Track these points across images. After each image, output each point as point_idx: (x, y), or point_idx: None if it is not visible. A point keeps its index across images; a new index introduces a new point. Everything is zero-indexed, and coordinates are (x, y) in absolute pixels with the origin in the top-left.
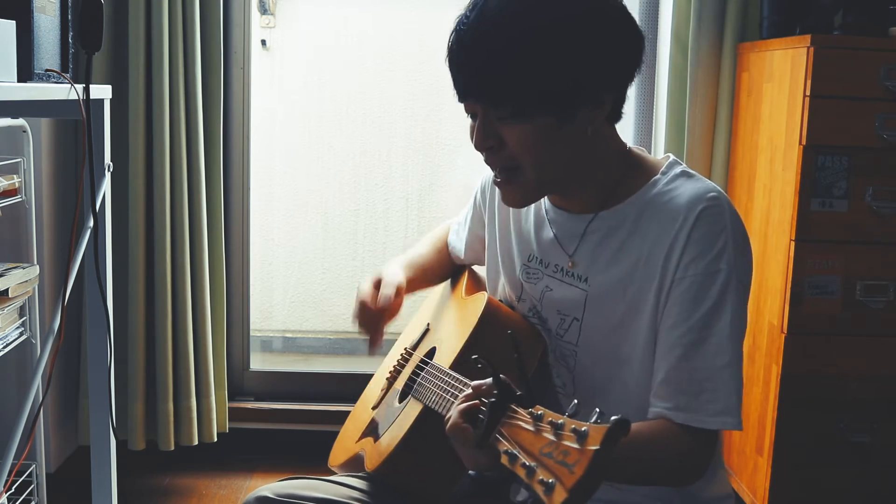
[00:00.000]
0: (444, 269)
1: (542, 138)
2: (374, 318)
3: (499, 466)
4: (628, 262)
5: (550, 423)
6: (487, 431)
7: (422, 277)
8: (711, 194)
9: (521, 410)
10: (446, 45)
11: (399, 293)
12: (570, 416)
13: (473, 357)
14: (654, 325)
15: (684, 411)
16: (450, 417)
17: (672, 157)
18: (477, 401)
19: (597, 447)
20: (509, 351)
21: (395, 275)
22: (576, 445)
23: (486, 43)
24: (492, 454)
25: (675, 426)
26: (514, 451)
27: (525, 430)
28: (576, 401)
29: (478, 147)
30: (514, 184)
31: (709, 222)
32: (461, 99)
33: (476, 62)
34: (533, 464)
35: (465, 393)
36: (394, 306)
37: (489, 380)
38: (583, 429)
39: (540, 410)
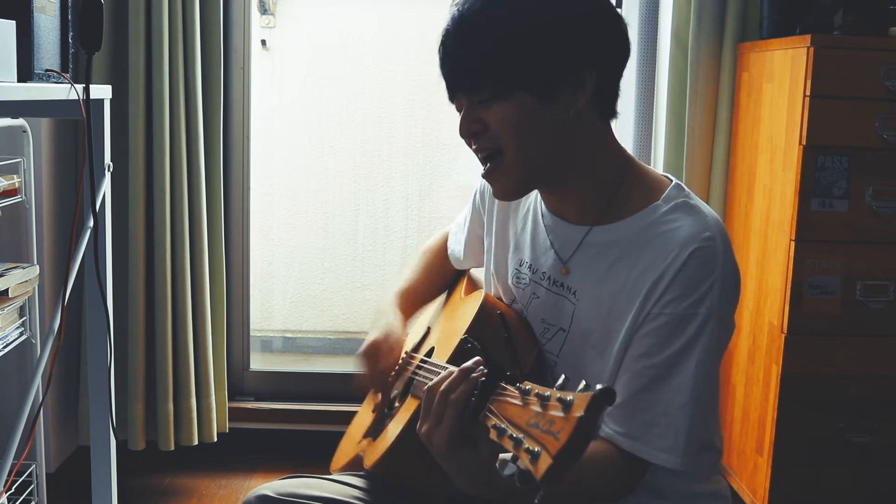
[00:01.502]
0: (440, 285)
1: (523, 117)
2: (381, 380)
3: (486, 444)
4: (614, 284)
5: (537, 395)
6: (478, 408)
7: (420, 304)
8: (707, 234)
9: (509, 387)
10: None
11: (399, 345)
12: (557, 389)
13: (463, 337)
14: (622, 351)
15: (633, 439)
16: (441, 384)
17: (675, 180)
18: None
19: (581, 414)
20: (500, 332)
21: (394, 330)
22: (561, 414)
23: (465, 34)
24: (480, 433)
25: (615, 450)
26: (502, 426)
27: (513, 404)
28: (563, 375)
29: (463, 134)
30: (499, 171)
31: (698, 265)
32: (449, 97)
33: (455, 54)
34: (520, 435)
35: (454, 376)
36: (395, 357)
37: (476, 358)
38: (568, 398)
39: (528, 385)
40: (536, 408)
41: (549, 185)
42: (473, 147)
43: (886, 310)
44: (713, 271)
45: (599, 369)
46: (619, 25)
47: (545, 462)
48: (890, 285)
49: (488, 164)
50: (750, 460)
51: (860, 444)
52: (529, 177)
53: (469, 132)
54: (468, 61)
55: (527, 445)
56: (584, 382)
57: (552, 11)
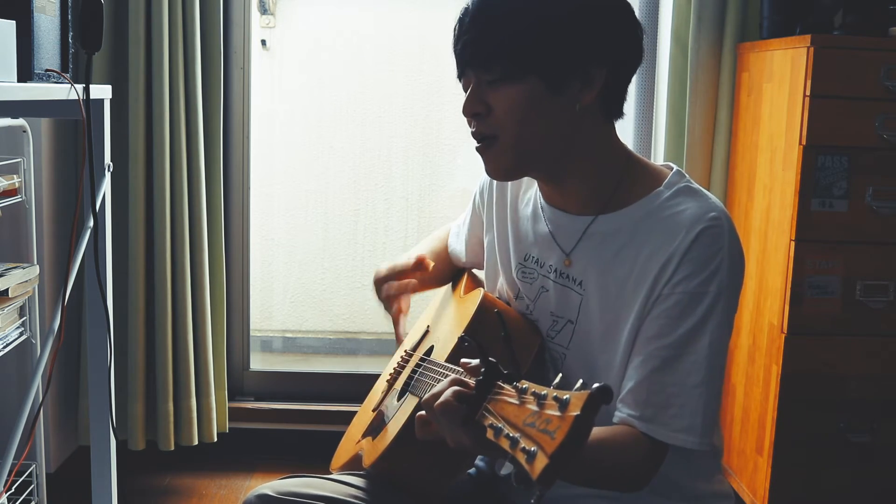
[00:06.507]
0: (443, 269)
1: (528, 102)
2: (398, 287)
3: (484, 445)
4: (622, 270)
5: (534, 394)
6: (473, 407)
7: (423, 281)
8: (712, 214)
9: (507, 386)
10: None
11: (421, 263)
12: (554, 387)
13: (461, 336)
14: (633, 335)
15: (648, 422)
16: (439, 396)
17: (676, 167)
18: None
19: (577, 413)
20: (498, 330)
21: (409, 256)
22: (557, 413)
23: (485, 11)
24: (477, 432)
25: (635, 431)
26: (499, 425)
27: (510, 403)
28: (561, 374)
29: (465, 112)
30: (494, 150)
31: (706, 243)
32: (458, 73)
33: (472, 30)
34: (516, 434)
35: (447, 380)
36: (414, 281)
37: (476, 360)
38: (564, 397)
39: (525, 384)
40: (533, 407)
41: (545, 174)
42: (471, 127)
43: (886, 310)
44: (721, 249)
45: (609, 358)
46: (636, 30)
47: (541, 462)
48: (890, 285)
49: (483, 143)
50: (750, 460)
51: (860, 444)
52: (523, 162)
53: (471, 112)
54: (484, 39)
55: (523, 445)
56: (581, 381)
57: (575, 1)
